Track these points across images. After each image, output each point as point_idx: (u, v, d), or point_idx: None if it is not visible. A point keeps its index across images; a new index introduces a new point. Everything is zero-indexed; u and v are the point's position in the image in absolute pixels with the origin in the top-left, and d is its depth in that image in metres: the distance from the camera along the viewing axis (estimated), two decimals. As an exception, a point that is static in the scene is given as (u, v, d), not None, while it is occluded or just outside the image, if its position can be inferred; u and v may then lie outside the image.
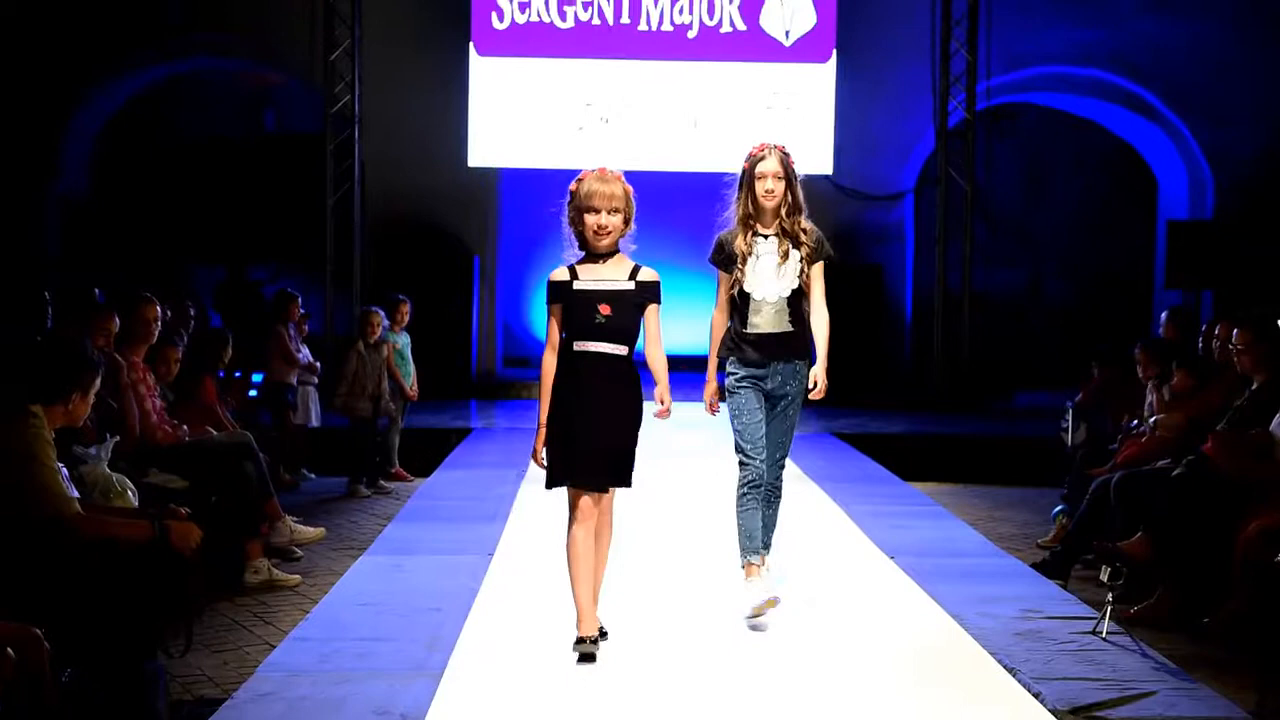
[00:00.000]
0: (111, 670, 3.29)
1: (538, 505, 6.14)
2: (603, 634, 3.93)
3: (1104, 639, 4.14)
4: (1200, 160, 12.50)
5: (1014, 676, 3.76)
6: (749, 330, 4.31)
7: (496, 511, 6.06)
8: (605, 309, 3.79)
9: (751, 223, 4.32)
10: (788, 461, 4.51)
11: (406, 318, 8.02)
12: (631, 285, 3.83)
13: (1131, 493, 5.08)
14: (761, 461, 4.31)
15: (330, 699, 3.43)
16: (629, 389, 3.85)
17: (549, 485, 3.88)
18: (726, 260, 4.38)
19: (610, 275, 3.84)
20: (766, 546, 4.44)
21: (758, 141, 4.43)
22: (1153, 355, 6.25)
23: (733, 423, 4.36)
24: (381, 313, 7.73)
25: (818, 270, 4.37)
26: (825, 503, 6.56)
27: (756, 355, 4.31)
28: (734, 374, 4.37)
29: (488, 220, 12.57)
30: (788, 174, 4.32)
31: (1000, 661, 3.89)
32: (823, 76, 11.80)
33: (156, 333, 5.26)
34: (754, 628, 4.19)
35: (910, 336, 12.64)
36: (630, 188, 3.87)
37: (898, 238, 12.49)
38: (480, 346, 12.42)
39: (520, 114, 11.87)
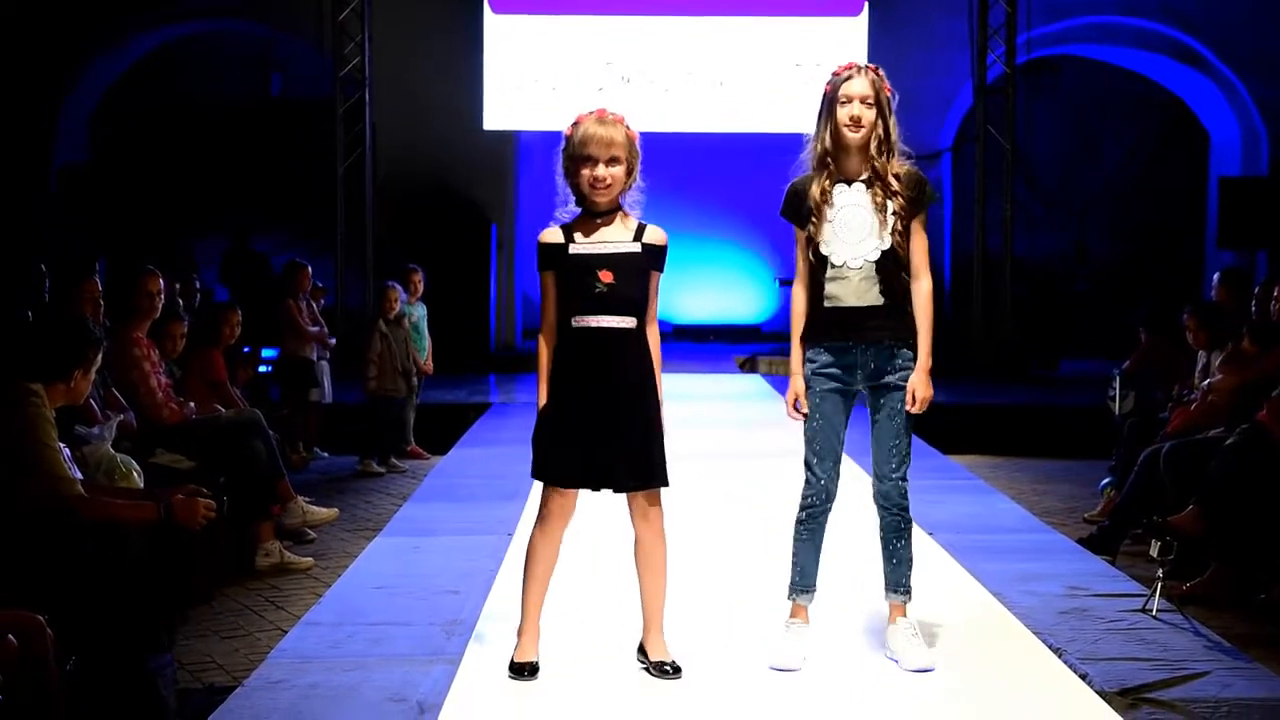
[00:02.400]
0: (116, 658, 3.22)
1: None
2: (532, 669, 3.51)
3: (1154, 617, 3.98)
4: (1254, 113, 12.15)
5: (1059, 657, 3.62)
6: (828, 304, 3.43)
7: (516, 490, 5.90)
8: (606, 275, 3.29)
9: (830, 163, 3.42)
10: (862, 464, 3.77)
11: (420, 288, 7.87)
12: (638, 248, 3.34)
13: (1182, 464, 4.94)
14: (830, 479, 3.52)
15: (344, 686, 3.34)
16: (645, 368, 3.37)
17: (538, 476, 3.41)
18: (799, 213, 3.47)
19: (613, 236, 3.34)
20: (901, 590, 3.60)
21: (849, 62, 3.52)
22: (1202, 320, 6.04)
23: (805, 425, 3.55)
24: (399, 287, 7.60)
25: (918, 225, 3.47)
26: (859, 476, 6.40)
27: (837, 337, 3.44)
28: (812, 363, 3.49)
29: (505, 186, 12.42)
30: (880, 100, 3.40)
31: (1045, 641, 3.75)
32: (854, 31, 11.55)
33: (160, 306, 5.16)
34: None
35: (949, 303, 12.42)
36: (635, 133, 3.35)
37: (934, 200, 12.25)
38: (498, 318, 12.31)
39: (538, 74, 11.70)
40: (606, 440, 3.32)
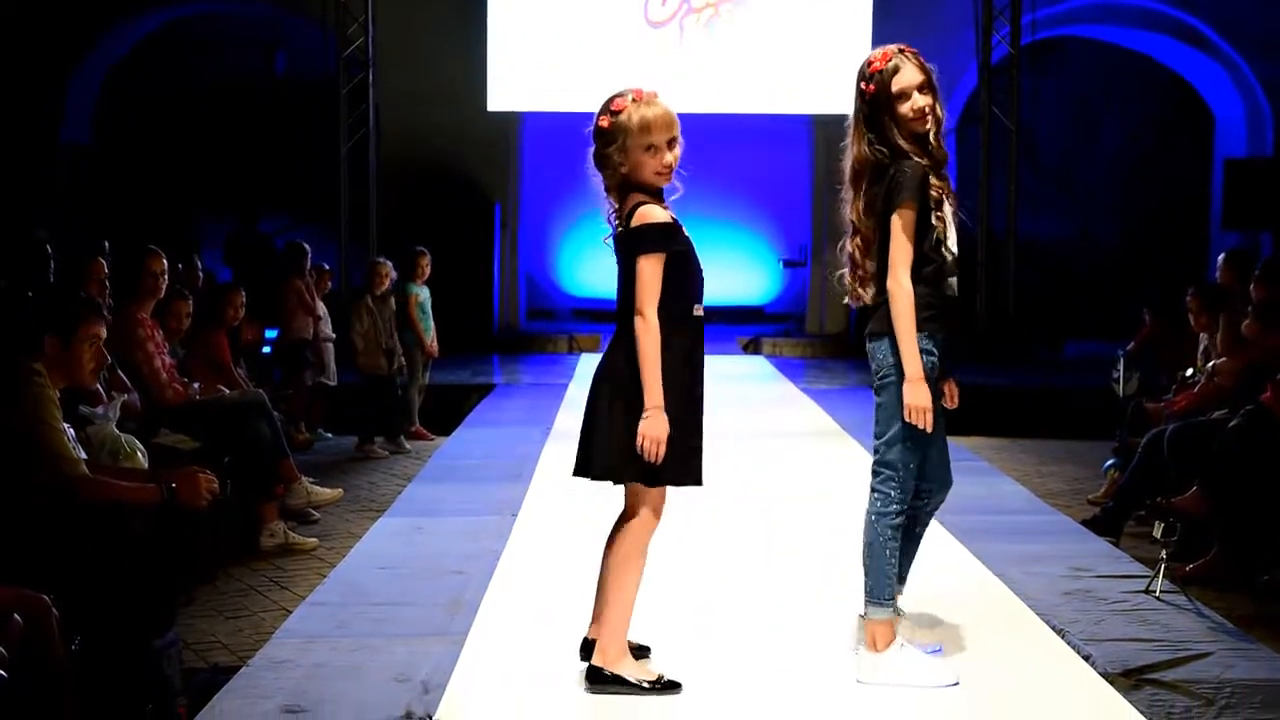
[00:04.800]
0: (121, 638, 3.22)
1: (563, 464, 6.00)
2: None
3: (1157, 598, 3.98)
4: (1259, 94, 12.07)
5: (1062, 638, 3.63)
6: (949, 293, 3.23)
7: (520, 471, 5.94)
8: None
9: (920, 157, 3.21)
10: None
11: (427, 270, 7.83)
12: None
13: (1186, 445, 4.91)
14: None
15: (349, 665, 3.36)
16: None
17: (674, 482, 3.12)
18: (925, 202, 3.20)
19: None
20: (903, 581, 3.47)
21: (878, 51, 3.26)
22: (1204, 302, 6.00)
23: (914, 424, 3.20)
24: (389, 264, 7.57)
25: None
26: (865, 459, 6.40)
27: (954, 328, 3.26)
28: (928, 355, 3.22)
29: (508, 167, 12.37)
30: (932, 82, 3.23)
31: (1048, 622, 3.75)
32: (858, 11, 11.45)
33: (164, 287, 5.15)
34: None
35: (953, 284, 12.38)
36: None
37: (939, 181, 12.19)
38: (502, 299, 12.26)
39: (542, 54, 11.62)
40: (702, 431, 3.19)
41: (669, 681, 3.20)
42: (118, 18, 12.23)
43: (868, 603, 3.29)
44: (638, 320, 3.05)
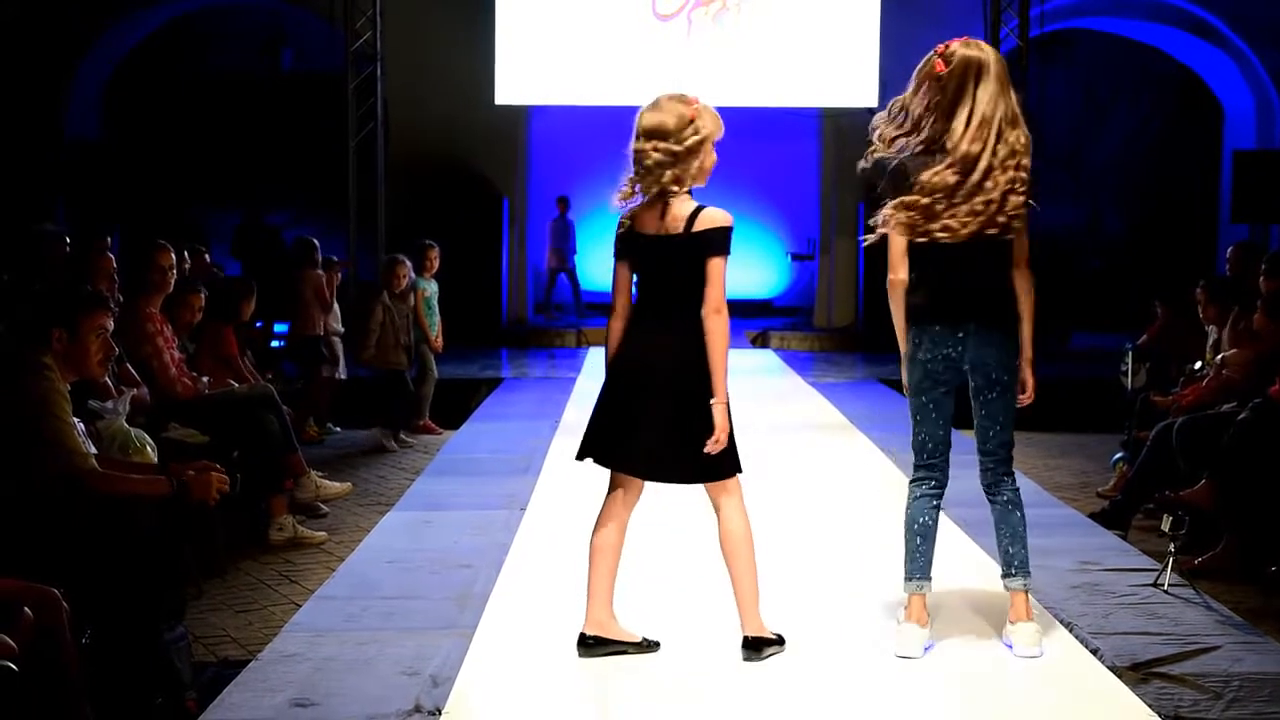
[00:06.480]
0: (132, 631, 3.23)
1: (572, 457, 6.01)
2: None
3: (1165, 591, 3.98)
4: (1268, 86, 12.03)
5: (1070, 631, 3.62)
6: None
7: (529, 465, 5.96)
8: None
9: None
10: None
11: (435, 264, 7.83)
12: None
13: (1195, 438, 4.92)
14: None
15: (358, 659, 3.36)
16: None
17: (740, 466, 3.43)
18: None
19: None
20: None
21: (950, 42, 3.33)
22: (1213, 294, 5.99)
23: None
24: (408, 262, 7.58)
25: None
26: (872, 452, 6.40)
27: None
28: None
29: (516, 160, 12.38)
30: None
31: (1056, 615, 3.74)
32: (867, 3, 11.42)
33: (172, 281, 5.16)
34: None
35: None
36: None
37: (947, 173, 12.16)
38: (510, 293, 12.28)
39: (549, 47, 11.61)
40: None
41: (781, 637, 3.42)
42: (124, 12, 12.25)
43: (1026, 573, 3.45)
44: (716, 318, 3.18)
